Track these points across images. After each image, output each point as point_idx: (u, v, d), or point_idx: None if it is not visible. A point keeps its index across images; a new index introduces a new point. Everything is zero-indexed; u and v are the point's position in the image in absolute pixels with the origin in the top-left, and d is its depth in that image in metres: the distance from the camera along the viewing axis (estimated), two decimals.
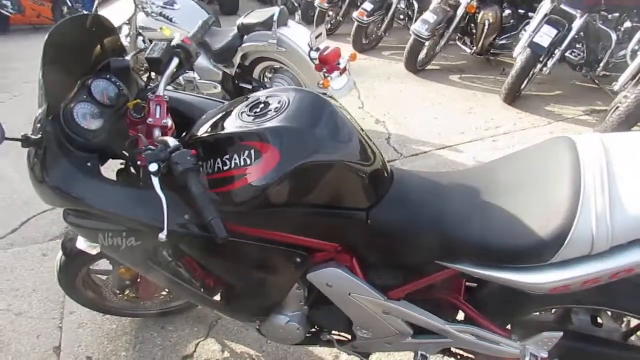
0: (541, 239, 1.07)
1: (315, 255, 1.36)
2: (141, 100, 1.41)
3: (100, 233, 1.36)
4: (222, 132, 1.26)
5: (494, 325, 1.36)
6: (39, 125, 1.28)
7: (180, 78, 3.92)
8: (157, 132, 1.32)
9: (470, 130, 3.68)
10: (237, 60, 3.65)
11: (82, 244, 1.53)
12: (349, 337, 1.56)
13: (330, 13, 6.50)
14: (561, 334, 1.30)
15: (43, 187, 1.28)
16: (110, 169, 1.44)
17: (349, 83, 3.57)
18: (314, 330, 1.60)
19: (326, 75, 3.39)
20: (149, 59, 1.38)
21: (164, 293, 1.96)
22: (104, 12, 1.61)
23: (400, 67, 4.96)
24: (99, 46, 1.46)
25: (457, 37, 5.02)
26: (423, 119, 3.90)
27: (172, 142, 1.20)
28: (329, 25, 6.62)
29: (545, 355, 1.31)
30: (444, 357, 1.62)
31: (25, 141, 1.26)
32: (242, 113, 1.27)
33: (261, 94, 1.34)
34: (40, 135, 1.26)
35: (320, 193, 1.20)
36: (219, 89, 3.83)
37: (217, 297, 1.51)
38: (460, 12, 4.59)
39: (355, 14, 5.48)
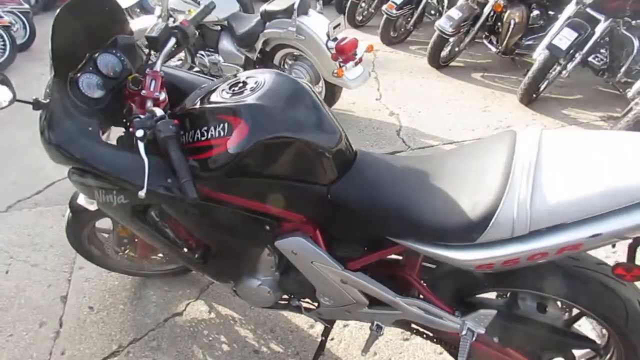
0: (470, 221, 1.17)
1: (283, 224, 1.49)
2: (139, 74, 1.57)
3: (95, 190, 1.53)
4: (203, 106, 1.40)
5: (439, 301, 1.47)
6: (47, 91, 1.45)
7: (206, 60, 4.13)
8: (149, 103, 1.48)
9: (481, 127, 3.72)
10: (258, 45, 3.79)
11: (82, 200, 1.71)
12: (315, 304, 1.69)
13: (363, 4, 6.55)
14: (494, 311, 1.40)
15: (49, 146, 1.45)
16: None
17: (364, 73, 3.67)
18: (285, 296, 1.74)
19: (341, 64, 3.50)
20: (147, 37, 1.53)
21: (160, 255, 2.13)
22: None
23: (424, 62, 5.00)
24: (107, 24, 1.62)
25: (483, 35, 5.02)
26: (436, 114, 3.96)
27: (158, 112, 1.38)
28: (361, 17, 6.68)
29: (482, 331, 1.41)
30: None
31: (35, 104, 1.44)
32: (223, 90, 1.41)
33: (243, 74, 1.48)
34: (48, 100, 1.43)
35: (284, 166, 1.33)
36: (241, 72, 3.98)
37: (198, 257, 1.66)
38: (487, 10, 4.59)
39: (384, 6, 5.52)
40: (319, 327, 1.99)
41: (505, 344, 1.52)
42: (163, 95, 1.55)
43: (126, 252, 2.05)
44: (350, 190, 1.37)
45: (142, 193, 1.29)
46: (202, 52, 4.16)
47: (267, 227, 1.49)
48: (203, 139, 1.37)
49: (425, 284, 1.50)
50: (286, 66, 3.95)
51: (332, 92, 3.84)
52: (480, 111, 4.03)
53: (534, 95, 4.08)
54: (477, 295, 1.56)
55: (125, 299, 2.20)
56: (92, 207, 1.70)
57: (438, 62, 4.93)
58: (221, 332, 2.01)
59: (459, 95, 4.36)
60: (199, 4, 3.88)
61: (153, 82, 1.50)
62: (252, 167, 1.33)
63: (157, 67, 1.52)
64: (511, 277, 1.36)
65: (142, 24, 4.34)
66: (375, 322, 1.61)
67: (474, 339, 1.41)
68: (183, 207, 1.49)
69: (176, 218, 1.56)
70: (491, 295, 1.57)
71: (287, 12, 3.54)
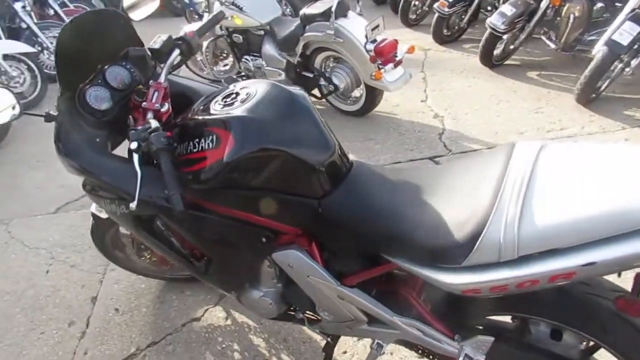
0: (456, 242, 1.08)
1: (280, 236, 1.46)
2: (145, 86, 1.59)
3: (102, 200, 1.58)
4: (196, 118, 1.40)
5: (438, 324, 1.38)
6: (56, 104, 1.51)
7: (251, 64, 4.18)
8: (149, 115, 1.49)
9: (531, 130, 3.51)
10: (299, 49, 3.79)
11: (94, 208, 1.77)
12: (317, 317, 1.65)
13: (416, 3, 6.40)
14: (492, 338, 1.29)
15: (60, 156, 1.52)
16: None
17: (404, 75, 3.57)
18: (289, 307, 1.71)
19: (380, 66, 3.43)
20: (150, 49, 1.55)
21: None
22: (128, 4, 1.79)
23: (476, 61, 4.79)
24: (118, 37, 1.66)
25: (541, 31, 4.73)
26: (484, 116, 3.78)
27: (154, 124, 1.38)
28: (414, 15, 6.53)
29: (482, 358, 1.31)
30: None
31: (47, 116, 1.51)
32: (216, 101, 1.41)
33: (239, 85, 1.46)
34: (57, 113, 1.49)
35: (272, 179, 1.30)
36: (283, 76, 4.01)
37: (201, 267, 1.67)
38: (544, 4, 4.32)
39: (436, 4, 5.36)
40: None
41: None
42: (165, 107, 1.55)
43: (147, 256, 2.10)
44: (341, 204, 1.32)
45: (132, 205, 1.31)
46: (247, 57, 4.22)
47: (264, 239, 1.46)
48: (195, 150, 1.36)
49: (425, 305, 1.42)
50: (328, 69, 3.92)
51: (373, 96, 3.77)
52: (533, 112, 3.80)
53: (593, 95, 3.79)
54: (488, 318, 1.46)
55: (149, 302, 2.26)
56: (103, 215, 1.76)
57: (491, 61, 4.71)
58: (235, 340, 2.01)
59: (511, 95, 4.14)
60: (241, 9, 3.94)
61: (155, 93, 1.51)
62: (240, 180, 1.31)
63: (161, 79, 1.53)
64: (515, 301, 1.25)
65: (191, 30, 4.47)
66: (377, 341, 1.55)
67: None
68: (180, 218, 1.49)
69: (175, 229, 1.57)
70: (506, 318, 1.47)
71: (325, 15, 3.51)
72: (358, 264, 1.43)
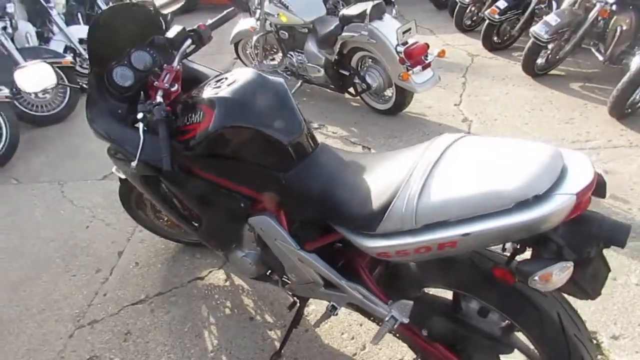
0: (373, 212, 1.29)
1: (256, 203, 1.70)
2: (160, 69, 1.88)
3: (119, 161, 1.90)
4: (193, 96, 1.68)
5: (377, 289, 1.57)
6: (87, 79, 1.84)
7: (294, 60, 4.44)
8: (159, 92, 1.78)
9: (555, 140, 3.53)
10: (336, 47, 4.00)
11: (114, 169, 2.09)
12: (288, 280, 1.87)
13: (472, 8, 6.42)
14: (411, 302, 1.46)
15: (88, 122, 1.84)
16: None
17: (433, 78, 3.71)
18: (268, 270, 1.94)
19: (408, 68, 3.58)
20: (165, 38, 1.84)
21: None
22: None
23: (521, 69, 4.80)
24: (145, 27, 1.95)
25: (591, 43, 4.67)
26: (512, 123, 3.83)
27: (158, 99, 1.67)
28: (470, 21, 6.54)
29: (406, 321, 1.48)
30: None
31: (81, 88, 1.85)
32: (210, 84, 1.67)
33: (230, 72, 1.72)
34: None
35: (243, 151, 1.56)
36: (322, 72, 4.24)
37: (194, 225, 1.95)
38: (592, 15, 4.28)
39: (486, 11, 5.39)
40: (314, 307, 2.16)
41: (435, 339, 1.57)
42: (175, 87, 1.82)
43: (165, 218, 2.41)
44: (300, 178, 1.54)
45: (133, 164, 1.60)
46: (292, 53, 4.49)
47: (242, 205, 1.72)
48: (188, 123, 1.64)
49: (369, 272, 1.61)
50: (364, 68, 4.10)
51: (403, 96, 3.92)
52: (563, 123, 3.81)
53: (629, 110, 3.73)
54: (429, 291, 1.64)
55: (164, 260, 2.58)
56: (121, 175, 2.08)
57: (533, 70, 4.69)
58: (228, 298, 2.28)
59: (546, 105, 4.14)
60: (287, 8, 4.21)
61: (167, 75, 1.79)
62: (219, 149, 1.58)
63: (174, 64, 1.81)
64: (432, 274, 1.43)
65: (244, 26, 4.83)
66: (332, 303, 1.75)
67: (395, 326, 1.49)
68: (172, 178, 1.77)
69: (171, 189, 1.85)
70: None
71: (361, 17, 3.70)
72: (316, 232, 1.64)
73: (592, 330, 1.95)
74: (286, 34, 4.48)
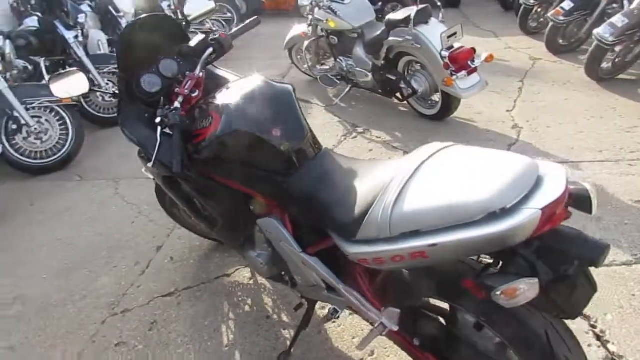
0: (354, 219, 1.31)
1: (264, 206, 1.77)
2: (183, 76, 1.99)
3: (146, 162, 2.03)
4: (207, 103, 1.77)
5: (371, 295, 1.57)
6: (117, 84, 1.99)
7: (344, 64, 4.49)
8: (179, 98, 1.88)
9: (612, 149, 3.31)
10: (383, 52, 4.01)
11: (144, 170, 2.24)
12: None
13: (539, 10, 6.17)
14: (398, 311, 1.44)
15: (120, 127, 1.99)
16: None
17: (479, 83, 3.61)
18: (280, 270, 2.00)
19: (452, 73, 3.51)
20: (187, 47, 1.95)
21: None
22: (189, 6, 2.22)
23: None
24: (172, 37, 2.07)
25: None
26: (566, 131, 3.64)
27: (176, 104, 1.78)
28: (535, 24, 6.29)
29: (395, 328, 1.47)
30: None
31: (113, 94, 2.00)
32: (222, 91, 1.76)
33: (241, 80, 1.79)
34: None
35: (248, 155, 1.63)
36: (370, 77, 4.26)
37: (212, 224, 2.04)
38: None
39: (550, 13, 5.17)
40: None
41: (427, 349, 1.55)
42: (196, 93, 1.92)
43: (191, 218, 2.53)
44: (299, 183, 1.59)
45: (149, 164, 1.72)
46: (342, 58, 4.54)
47: (251, 207, 1.79)
48: (200, 127, 1.74)
49: (365, 278, 1.61)
50: (411, 73, 4.07)
51: (449, 102, 3.84)
52: (624, 131, 3.57)
53: None
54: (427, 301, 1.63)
55: (197, 256, 2.71)
56: (150, 175, 2.21)
57: (597, 74, 4.44)
58: (250, 296, 2.36)
59: (608, 112, 3.90)
60: (335, 13, 4.26)
61: (189, 82, 1.89)
62: (224, 153, 1.66)
63: (196, 71, 1.91)
64: (419, 286, 1.42)
65: (297, 31, 4.94)
66: (333, 306, 1.77)
67: (384, 333, 1.48)
68: (184, 179, 1.86)
69: (188, 189, 1.95)
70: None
71: (406, 21, 3.68)
72: (317, 235, 1.67)
73: None
74: (336, 39, 4.53)
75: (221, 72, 2.16)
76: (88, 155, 4.12)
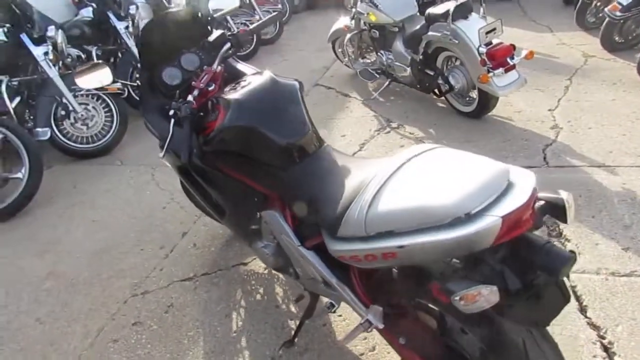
0: (335, 215, 1.33)
1: (267, 199, 1.81)
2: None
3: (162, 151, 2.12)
4: (218, 97, 1.83)
5: (362, 292, 1.58)
6: (139, 77, 2.09)
7: (384, 58, 4.46)
8: (195, 92, 1.95)
9: None
10: (421, 47, 3.94)
11: (162, 157, 2.33)
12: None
13: (598, 4, 5.84)
14: (381, 308, 1.45)
15: (142, 115, 2.09)
16: None
17: (517, 81, 3.50)
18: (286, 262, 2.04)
19: (489, 69, 3.42)
20: (205, 42, 2.01)
21: None
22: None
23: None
24: (196, 32, 2.14)
25: None
26: (608, 133, 3.46)
27: (190, 98, 1.85)
28: (594, 19, 5.96)
29: (380, 326, 1.48)
30: None
31: (137, 86, 2.10)
32: (231, 86, 1.81)
33: (252, 76, 1.84)
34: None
35: (250, 149, 1.68)
36: (408, 72, 4.20)
37: (221, 213, 2.10)
38: None
39: (606, 8, 4.89)
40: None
41: (412, 348, 1.55)
42: (212, 86, 1.99)
43: None
44: (297, 177, 1.62)
45: (160, 154, 1.81)
46: (382, 52, 4.51)
47: (256, 199, 1.84)
48: (208, 120, 1.80)
49: (357, 275, 1.62)
50: (449, 69, 3.98)
51: (486, 99, 3.73)
52: None
53: None
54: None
55: (218, 244, 2.80)
56: (167, 164, 2.31)
57: None
58: (263, 285, 2.42)
59: None
60: (377, 7, 4.23)
61: (205, 76, 1.96)
62: (228, 146, 1.71)
63: (214, 66, 1.97)
64: (407, 285, 1.42)
65: (340, 25, 4.94)
66: (331, 300, 1.79)
67: (369, 329, 1.49)
68: (194, 168, 1.93)
69: (199, 179, 2.02)
70: None
71: (446, 16, 3.60)
72: (314, 229, 1.70)
73: None
74: (377, 32, 4.50)
75: (241, 66, 2.21)
76: (130, 142, 4.32)
